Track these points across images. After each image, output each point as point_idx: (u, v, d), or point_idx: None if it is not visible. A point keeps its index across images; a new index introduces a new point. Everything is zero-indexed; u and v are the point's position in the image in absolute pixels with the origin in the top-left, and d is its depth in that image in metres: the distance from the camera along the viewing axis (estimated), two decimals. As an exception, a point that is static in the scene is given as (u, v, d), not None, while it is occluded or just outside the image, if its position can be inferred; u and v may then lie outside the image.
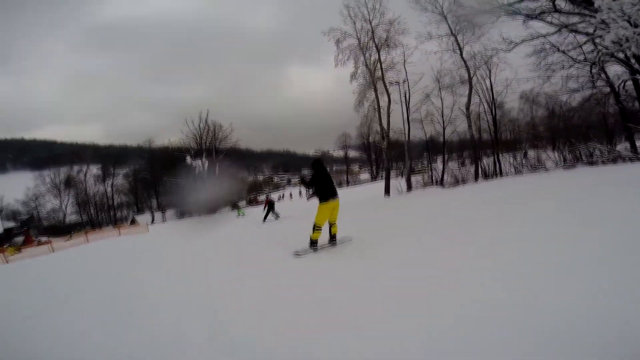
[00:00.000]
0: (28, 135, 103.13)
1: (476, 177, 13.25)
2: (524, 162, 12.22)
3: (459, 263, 3.48)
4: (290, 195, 43.66)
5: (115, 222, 46.47)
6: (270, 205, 14.12)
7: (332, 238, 5.44)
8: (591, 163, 10.27)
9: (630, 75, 11.94)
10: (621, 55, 11.93)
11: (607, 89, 13.22)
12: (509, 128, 20.90)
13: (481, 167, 13.38)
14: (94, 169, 53.45)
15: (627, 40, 9.19)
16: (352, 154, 72.33)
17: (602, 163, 10.09)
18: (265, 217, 13.69)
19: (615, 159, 10.05)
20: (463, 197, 9.35)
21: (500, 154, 14.11)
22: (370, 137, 55.70)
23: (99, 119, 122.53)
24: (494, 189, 9.44)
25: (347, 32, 16.65)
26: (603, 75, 13.07)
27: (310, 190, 5.38)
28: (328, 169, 5.74)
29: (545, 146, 16.71)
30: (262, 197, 51.88)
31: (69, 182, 50.27)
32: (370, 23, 16.36)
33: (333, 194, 5.23)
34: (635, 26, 8.77)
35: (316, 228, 5.21)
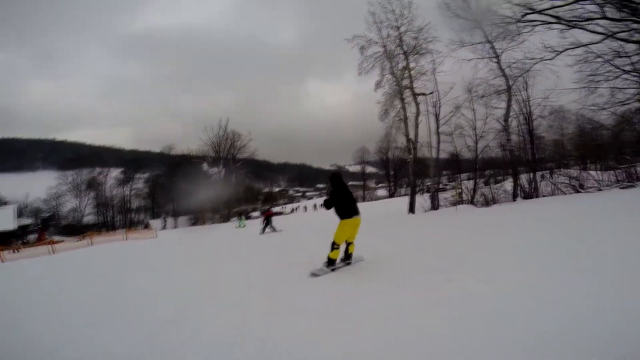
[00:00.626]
0: (60, 136, 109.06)
1: (514, 197, 11.83)
2: (570, 181, 10.72)
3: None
4: (305, 208, 42.70)
5: (130, 225, 46.78)
6: (268, 219, 14.45)
7: (348, 257, 5.06)
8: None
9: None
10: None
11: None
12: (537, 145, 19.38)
13: (520, 186, 11.94)
14: (116, 172, 54.41)
15: None
16: (369, 169, 71.37)
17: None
18: (264, 230, 13.94)
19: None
20: (506, 218, 8.07)
21: (536, 172, 12.70)
22: (389, 152, 54.77)
23: (129, 124, 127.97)
24: (541, 210, 8.11)
25: (372, 40, 15.95)
26: None
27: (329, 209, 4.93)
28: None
29: (577, 164, 15.20)
30: (276, 209, 51.57)
31: (90, 184, 51.30)
32: (398, 29, 15.57)
33: (356, 211, 4.84)
34: None
35: (335, 246, 4.75)
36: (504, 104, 13.76)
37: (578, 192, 10.16)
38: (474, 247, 5.07)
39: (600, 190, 9.59)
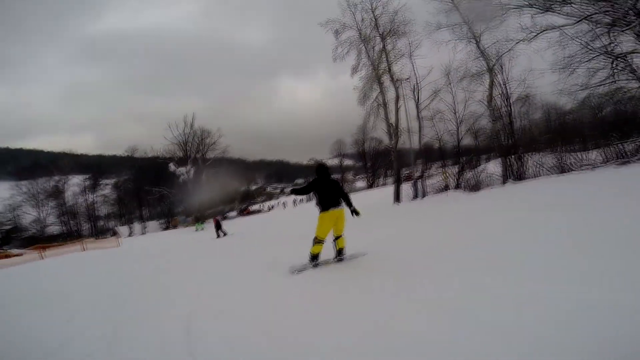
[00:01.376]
0: (16, 144, 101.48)
1: (504, 179, 11.40)
2: (560, 161, 10.37)
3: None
4: (284, 204, 41.67)
5: (97, 234, 43.84)
6: (217, 225, 15.89)
7: (339, 253, 4.66)
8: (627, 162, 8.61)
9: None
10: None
11: (635, 84, 11.73)
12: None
13: (510, 167, 11.50)
14: (80, 179, 50.92)
15: None
16: (347, 162, 71.06)
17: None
18: (218, 235, 15.35)
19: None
20: (498, 204, 7.53)
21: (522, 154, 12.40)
22: (365, 144, 54.54)
23: (91, 129, 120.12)
24: (537, 193, 7.63)
25: (347, 24, 15.16)
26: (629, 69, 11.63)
27: (298, 195, 4.86)
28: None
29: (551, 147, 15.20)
30: (255, 207, 50.04)
31: (51, 193, 47.66)
32: (373, 12, 14.81)
33: (334, 203, 4.50)
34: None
35: (316, 241, 4.51)
36: (481, 88, 13.40)
37: (563, 172, 9.85)
38: (467, 238, 4.39)
39: (594, 169, 9.28)
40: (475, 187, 11.39)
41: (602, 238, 3.06)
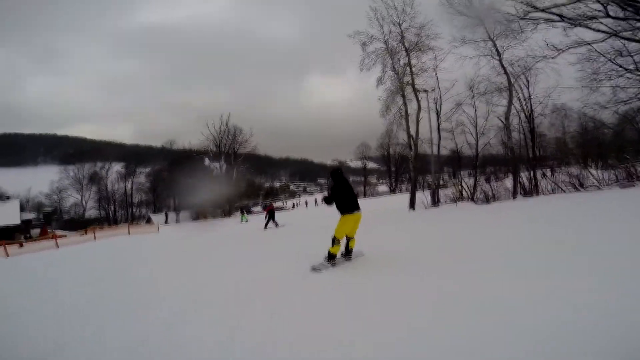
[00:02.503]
0: (61, 131, 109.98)
1: (514, 194, 11.90)
2: (570, 179, 10.76)
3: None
4: (306, 203, 42.76)
5: (132, 220, 46.97)
6: (270, 214, 14.38)
7: (349, 253, 5.11)
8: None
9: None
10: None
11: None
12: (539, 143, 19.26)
13: (520, 183, 12.00)
14: (118, 167, 54.58)
15: None
16: (371, 165, 71.20)
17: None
18: (266, 225, 13.93)
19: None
20: (503, 215, 8.18)
21: (536, 170, 12.75)
22: (390, 149, 54.62)
23: (129, 119, 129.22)
24: (540, 208, 8.20)
25: (374, 36, 15.86)
26: None
27: (331, 205, 5.02)
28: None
29: (578, 163, 15.21)
30: (277, 204, 51.45)
31: (92, 178, 51.45)
32: (400, 26, 15.50)
33: (356, 206, 4.89)
34: None
35: (335, 242, 4.80)
36: (504, 102, 13.78)
37: (578, 190, 10.23)
38: (472, 245, 5.17)
39: (599, 189, 9.66)
40: (487, 200, 11.93)
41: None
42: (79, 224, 42.14)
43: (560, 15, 12.66)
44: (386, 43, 15.71)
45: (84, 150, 70.96)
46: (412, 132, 14.89)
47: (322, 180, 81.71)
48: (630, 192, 8.29)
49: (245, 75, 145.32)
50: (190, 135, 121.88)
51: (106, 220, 47.44)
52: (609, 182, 10.09)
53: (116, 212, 50.32)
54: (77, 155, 65.95)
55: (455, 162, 18.36)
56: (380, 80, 15.60)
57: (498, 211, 9.09)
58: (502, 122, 13.03)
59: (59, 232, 27.72)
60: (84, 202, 49.34)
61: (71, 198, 50.05)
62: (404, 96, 14.97)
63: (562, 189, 11.07)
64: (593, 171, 11.74)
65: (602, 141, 15.55)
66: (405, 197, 16.02)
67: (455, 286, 3.25)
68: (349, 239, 5.04)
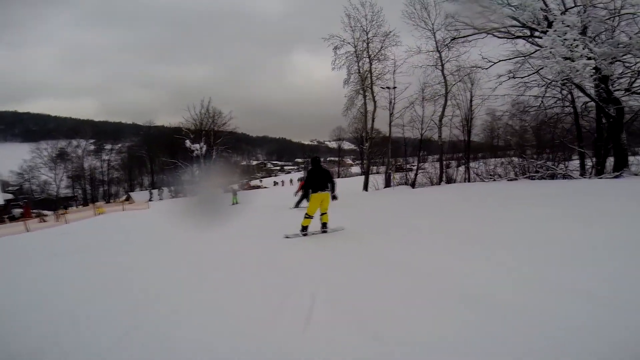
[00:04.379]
0: (21, 107, 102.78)
1: (440, 181, 15.33)
2: (479, 172, 14.28)
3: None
4: (290, 181, 44.76)
5: (109, 198, 47.71)
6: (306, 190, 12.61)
7: (323, 226, 6.13)
8: (530, 177, 12.40)
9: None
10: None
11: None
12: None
13: (445, 173, 15.46)
14: (86, 144, 53.69)
15: (563, 72, 10.79)
16: (348, 145, 74.16)
17: (541, 178, 12.19)
18: (299, 203, 11.75)
19: (552, 175, 12.16)
20: (419, 196, 11.43)
21: (469, 162, 16.22)
22: (364, 132, 57.80)
23: (94, 93, 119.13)
24: (444, 192, 11.53)
25: (346, 40, 18.13)
26: (569, 97, 14.15)
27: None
28: (322, 159, 7.01)
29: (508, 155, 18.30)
30: (255, 182, 53.17)
31: (63, 156, 50.83)
32: (367, 34, 17.90)
33: (322, 187, 5.94)
34: (571, 60, 10.31)
35: (306, 216, 6.01)
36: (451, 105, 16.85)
37: (483, 180, 13.73)
38: (396, 217, 8.05)
39: (494, 180, 13.15)
40: (413, 184, 15.43)
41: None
42: (53, 203, 42.26)
43: (492, 33, 15.12)
44: (355, 47, 18.16)
45: (50, 128, 68.55)
46: (368, 127, 17.82)
47: (299, 160, 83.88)
48: (509, 184, 11.74)
49: (226, 49, 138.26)
50: (163, 111, 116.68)
51: (83, 199, 47.85)
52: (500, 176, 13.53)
53: (93, 191, 50.52)
54: (42, 133, 63.82)
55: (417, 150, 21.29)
56: (346, 82, 18.19)
57: (419, 193, 12.36)
58: (435, 123, 16.20)
59: (44, 212, 28.65)
60: (57, 181, 49.09)
61: (42, 177, 49.38)
62: (365, 96, 17.73)
63: (480, 178, 14.55)
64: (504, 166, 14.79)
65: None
66: (374, 178, 18.52)
67: (366, 248, 4.67)
68: (322, 214, 6.08)
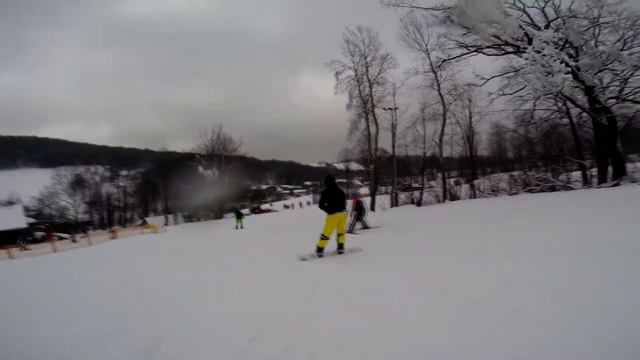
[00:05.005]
0: (40, 133, 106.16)
1: (444, 199, 15.70)
2: (482, 188, 14.65)
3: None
4: (300, 204, 45.45)
5: (125, 223, 49.01)
6: (359, 208, 9.68)
7: (340, 247, 5.86)
8: (530, 191, 12.69)
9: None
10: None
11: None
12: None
13: (450, 191, 15.85)
14: (103, 170, 55.43)
15: (545, 87, 11.33)
16: (356, 166, 74.77)
17: (541, 191, 12.46)
18: (353, 226, 9.43)
19: (552, 187, 12.43)
20: (423, 214, 11.82)
21: (474, 178, 16.63)
22: (368, 155, 58.69)
23: (108, 118, 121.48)
24: (447, 210, 11.91)
25: (346, 65, 19.10)
26: (564, 108, 14.49)
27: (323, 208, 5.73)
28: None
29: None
30: (265, 207, 53.93)
31: (81, 182, 52.74)
32: (366, 58, 18.93)
33: (340, 208, 5.69)
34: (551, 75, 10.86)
35: (322, 237, 5.67)
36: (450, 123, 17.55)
37: (486, 196, 14.06)
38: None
39: (496, 195, 13.48)
40: (419, 203, 15.82)
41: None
42: (72, 227, 43.80)
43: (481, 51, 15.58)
44: (355, 71, 19.17)
45: (67, 153, 71.16)
46: (372, 150, 18.51)
47: (308, 183, 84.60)
48: (509, 199, 12.07)
49: (234, 72, 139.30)
50: (174, 135, 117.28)
51: (100, 223, 49.25)
52: (501, 191, 13.87)
53: (110, 216, 51.95)
54: (60, 158, 66.22)
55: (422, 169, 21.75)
56: (349, 106, 19.08)
57: (423, 211, 12.75)
58: (435, 143, 16.79)
59: (64, 236, 29.91)
60: (75, 207, 50.74)
61: (62, 202, 51.17)
62: (367, 119, 18.54)
63: (484, 195, 14.85)
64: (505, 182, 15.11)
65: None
66: (380, 199, 18.85)
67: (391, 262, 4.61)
68: (339, 235, 5.80)
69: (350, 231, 8.77)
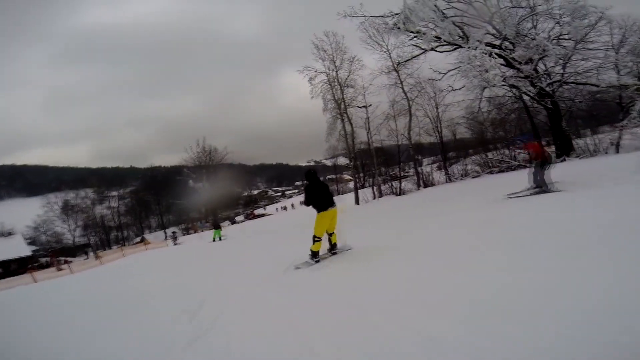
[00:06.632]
0: (16, 160, 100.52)
1: (418, 187, 17.15)
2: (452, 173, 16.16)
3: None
4: (292, 205, 46.40)
5: (123, 242, 49.51)
6: (544, 157, 7.23)
7: (332, 247, 5.39)
8: (490, 172, 14.19)
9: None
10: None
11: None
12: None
13: (423, 179, 17.33)
14: (90, 193, 55.12)
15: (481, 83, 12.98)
16: (344, 161, 75.86)
17: (500, 171, 13.96)
18: (541, 181, 7.11)
19: (509, 167, 13.95)
20: (403, 202, 13.18)
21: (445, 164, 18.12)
22: (354, 148, 60.15)
23: (85, 138, 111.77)
24: (420, 196, 13.29)
25: (319, 70, 20.21)
26: (517, 93, 15.67)
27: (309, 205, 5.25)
28: (321, 178, 5.89)
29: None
30: (259, 211, 54.81)
31: (72, 207, 52.90)
32: (334, 62, 20.09)
33: (330, 203, 5.16)
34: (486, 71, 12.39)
35: (315, 239, 5.07)
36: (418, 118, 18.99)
37: (451, 181, 15.52)
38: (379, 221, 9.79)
39: (462, 179, 14.95)
40: (401, 192, 17.20)
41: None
42: (72, 250, 44.71)
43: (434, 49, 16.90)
44: (327, 75, 20.29)
45: (50, 179, 70.11)
46: (350, 148, 19.81)
47: (299, 183, 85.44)
48: (472, 181, 13.49)
49: (213, 78, 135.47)
50: (157, 150, 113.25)
51: (101, 244, 49.69)
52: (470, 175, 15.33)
53: (108, 236, 52.30)
54: (44, 185, 65.32)
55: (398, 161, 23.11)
56: (325, 109, 20.28)
57: (401, 200, 14.14)
58: (405, 136, 18.20)
59: (68, 259, 30.62)
60: (71, 231, 50.98)
61: (57, 228, 51.34)
62: (343, 120, 19.80)
63: (453, 180, 16.33)
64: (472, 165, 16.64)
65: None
66: (362, 192, 20.13)
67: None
68: (330, 234, 5.31)
69: (544, 189, 6.84)
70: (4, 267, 28.46)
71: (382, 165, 22.97)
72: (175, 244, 23.27)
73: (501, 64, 13.03)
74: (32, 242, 46.72)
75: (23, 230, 48.07)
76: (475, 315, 2.26)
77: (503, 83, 13.49)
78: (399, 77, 18.28)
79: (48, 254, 36.08)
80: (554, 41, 12.95)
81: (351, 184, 64.42)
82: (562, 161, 12.73)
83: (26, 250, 31.55)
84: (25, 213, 51.12)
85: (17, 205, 63.20)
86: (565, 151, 13.52)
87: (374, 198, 19.32)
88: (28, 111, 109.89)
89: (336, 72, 20.03)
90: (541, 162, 6.97)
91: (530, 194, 6.85)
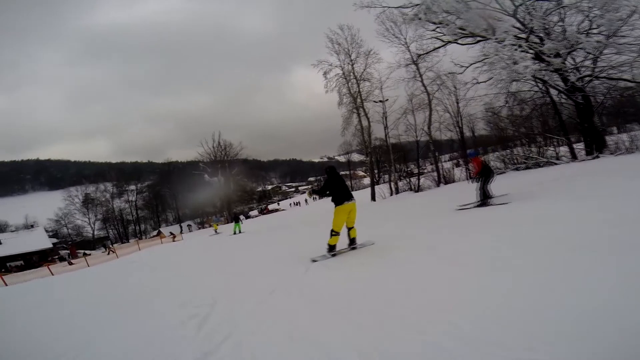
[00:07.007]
0: (40, 155, 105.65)
1: (438, 184, 16.57)
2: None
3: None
4: (306, 201, 46.33)
5: (140, 235, 50.69)
6: (486, 171, 7.63)
7: (352, 242, 5.37)
8: (517, 169, 13.51)
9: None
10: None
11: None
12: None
13: (443, 176, 16.72)
14: (109, 186, 56.77)
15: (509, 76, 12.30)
16: (358, 157, 75.50)
17: (527, 168, 13.27)
18: (483, 194, 7.46)
19: (537, 164, 13.23)
20: (419, 199, 12.72)
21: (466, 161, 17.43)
22: (371, 144, 59.51)
23: (104, 133, 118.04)
24: (439, 194, 12.78)
25: (333, 64, 19.75)
26: (544, 88, 14.82)
27: (322, 197, 5.38)
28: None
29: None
30: (273, 207, 55.11)
31: (92, 201, 54.41)
32: (350, 56, 19.59)
33: (348, 197, 5.17)
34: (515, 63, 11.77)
35: (333, 233, 5.14)
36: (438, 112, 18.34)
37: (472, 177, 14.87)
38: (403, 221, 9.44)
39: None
40: (419, 189, 16.66)
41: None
42: (90, 243, 46.19)
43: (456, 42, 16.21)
44: (342, 69, 19.83)
45: (72, 173, 72.54)
46: (367, 142, 19.35)
47: (312, 178, 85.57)
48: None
49: (223, 76, 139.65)
50: (174, 144, 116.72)
51: (119, 237, 50.98)
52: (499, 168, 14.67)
53: (126, 230, 53.57)
54: (66, 179, 67.65)
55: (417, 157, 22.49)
56: (340, 103, 19.87)
57: (419, 197, 13.64)
58: (425, 131, 17.58)
59: (87, 252, 31.64)
60: (91, 224, 52.49)
61: (77, 221, 52.99)
62: (359, 114, 19.34)
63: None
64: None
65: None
66: (379, 188, 19.65)
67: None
68: (349, 229, 5.31)
69: (484, 202, 7.12)
70: (25, 260, 29.39)
71: (398, 161, 22.53)
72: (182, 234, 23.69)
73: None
74: (54, 234, 48.53)
75: (45, 223, 50.00)
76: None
77: (532, 77, 12.73)
78: (418, 70, 17.62)
79: (68, 247, 37.22)
80: (583, 35, 12.12)
81: (365, 180, 64.62)
82: (594, 158, 12.03)
83: (47, 243, 32.55)
84: (49, 205, 53.07)
85: (41, 197, 65.81)
86: (598, 148, 12.77)
87: (391, 194, 18.86)
88: (47, 109, 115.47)
89: (352, 65, 19.56)
90: (483, 177, 7.31)
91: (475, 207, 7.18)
